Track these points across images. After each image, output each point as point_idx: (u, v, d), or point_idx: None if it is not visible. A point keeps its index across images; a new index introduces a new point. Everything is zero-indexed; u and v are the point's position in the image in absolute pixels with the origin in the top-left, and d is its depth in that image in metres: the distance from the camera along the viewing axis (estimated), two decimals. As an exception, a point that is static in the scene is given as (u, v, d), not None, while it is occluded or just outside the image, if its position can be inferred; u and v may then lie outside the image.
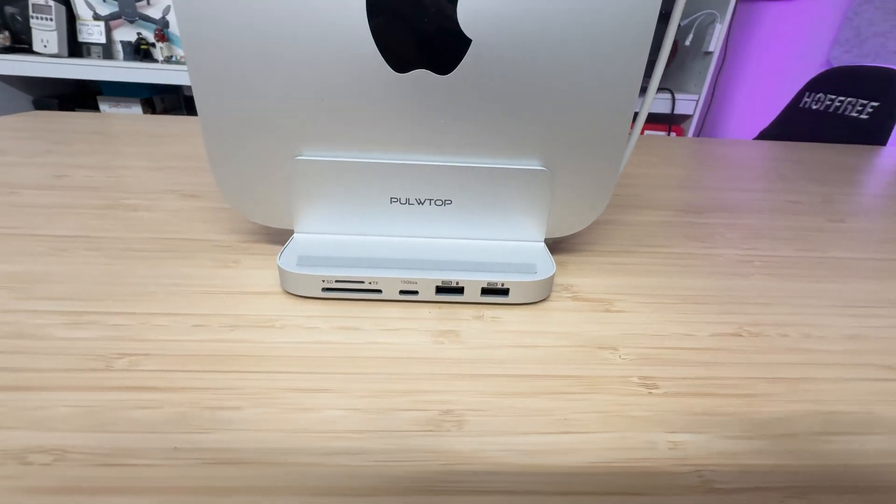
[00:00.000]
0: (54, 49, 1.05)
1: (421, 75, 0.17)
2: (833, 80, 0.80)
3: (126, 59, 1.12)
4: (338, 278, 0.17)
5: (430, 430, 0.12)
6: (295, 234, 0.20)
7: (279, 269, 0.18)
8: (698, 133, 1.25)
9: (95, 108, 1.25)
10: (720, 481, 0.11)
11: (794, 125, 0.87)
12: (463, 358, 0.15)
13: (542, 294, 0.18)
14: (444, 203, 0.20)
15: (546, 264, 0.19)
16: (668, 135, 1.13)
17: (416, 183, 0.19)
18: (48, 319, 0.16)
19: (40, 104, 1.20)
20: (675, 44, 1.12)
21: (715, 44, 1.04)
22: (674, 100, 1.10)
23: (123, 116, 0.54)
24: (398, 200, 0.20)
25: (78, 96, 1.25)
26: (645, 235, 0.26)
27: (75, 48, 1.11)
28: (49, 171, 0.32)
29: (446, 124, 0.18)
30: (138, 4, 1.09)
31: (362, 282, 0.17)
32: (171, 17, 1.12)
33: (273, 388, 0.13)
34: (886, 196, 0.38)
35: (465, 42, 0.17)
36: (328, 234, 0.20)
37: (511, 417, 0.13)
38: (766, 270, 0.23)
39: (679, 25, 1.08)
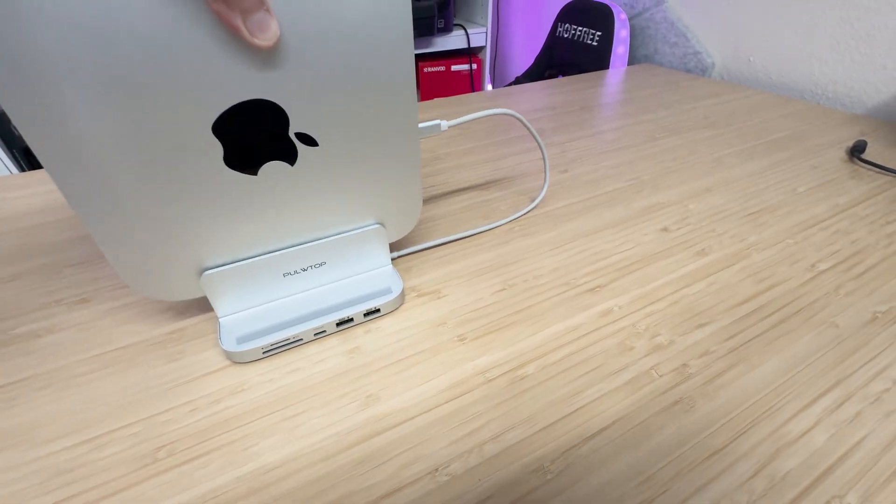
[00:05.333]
0: None
1: (272, 169, 0.24)
2: (573, 12, 1.02)
3: None
4: (271, 342, 0.27)
5: (364, 407, 0.24)
6: (220, 319, 0.28)
7: (225, 351, 0.26)
8: (493, 60, 1.42)
9: None
10: (493, 375, 0.26)
11: (555, 51, 1.08)
12: (368, 361, 0.27)
13: (400, 302, 0.31)
14: (320, 265, 0.29)
15: (397, 283, 0.31)
16: (470, 67, 1.28)
17: (297, 259, 0.28)
18: (74, 452, 0.22)
19: None
20: (457, -20, 1.22)
21: (488, -22, 1.17)
22: (468, 34, 1.23)
23: None
24: (289, 273, 0.29)
25: None
26: (455, 223, 0.40)
27: None
28: None
29: (299, 198, 0.26)
30: None
31: (288, 339, 0.27)
32: None
33: (272, 424, 0.23)
34: (598, 134, 0.58)
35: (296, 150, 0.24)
36: (244, 311, 0.29)
37: (404, 383, 0.25)
38: (520, 233, 0.38)
39: (455, -37, 1.17)
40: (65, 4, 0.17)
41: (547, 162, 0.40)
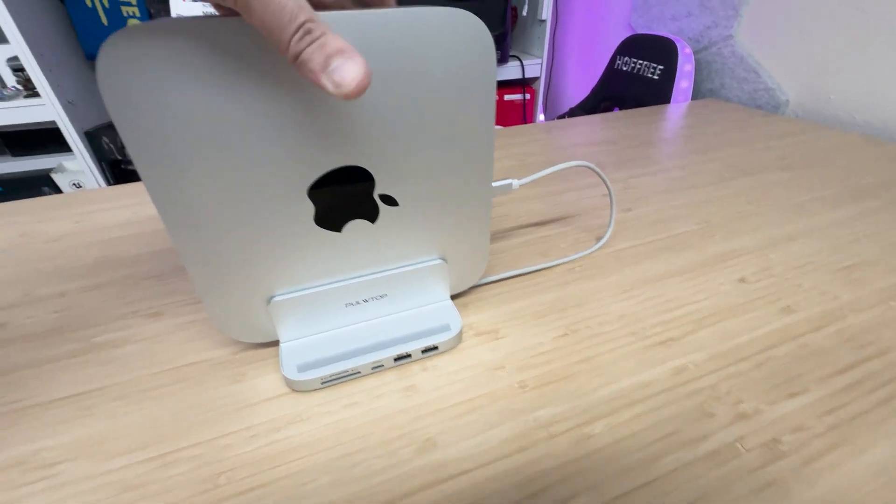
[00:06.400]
0: None
1: (354, 226, 0.26)
2: (634, 46, 1.00)
3: None
4: (330, 374, 0.27)
5: (421, 452, 0.23)
6: (281, 345, 0.28)
7: (285, 377, 0.26)
8: (546, 91, 1.43)
9: None
10: (557, 431, 0.24)
11: (613, 83, 1.07)
12: (425, 402, 0.26)
13: (458, 342, 0.30)
14: (381, 297, 0.29)
15: (455, 320, 0.30)
16: (524, 97, 1.29)
17: (361, 290, 0.29)
18: (142, 469, 0.23)
19: None
20: (515, 13, 1.25)
21: (546, 12, 1.19)
22: (522, 65, 1.24)
23: (-12, 216, 0.50)
24: (351, 303, 0.29)
25: None
26: (513, 259, 0.39)
27: None
28: (-18, 321, 0.34)
29: (371, 249, 0.27)
30: None
31: (347, 371, 0.27)
32: (-51, 45, 0.91)
33: (329, 461, 0.23)
34: (662, 171, 0.56)
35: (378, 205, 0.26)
36: (306, 338, 0.29)
37: (462, 430, 0.24)
38: (581, 274, 0.37)
39: (515, -2, 1.19)
40: (206, 98, 0.19)
41: (614, 203, 0.39)
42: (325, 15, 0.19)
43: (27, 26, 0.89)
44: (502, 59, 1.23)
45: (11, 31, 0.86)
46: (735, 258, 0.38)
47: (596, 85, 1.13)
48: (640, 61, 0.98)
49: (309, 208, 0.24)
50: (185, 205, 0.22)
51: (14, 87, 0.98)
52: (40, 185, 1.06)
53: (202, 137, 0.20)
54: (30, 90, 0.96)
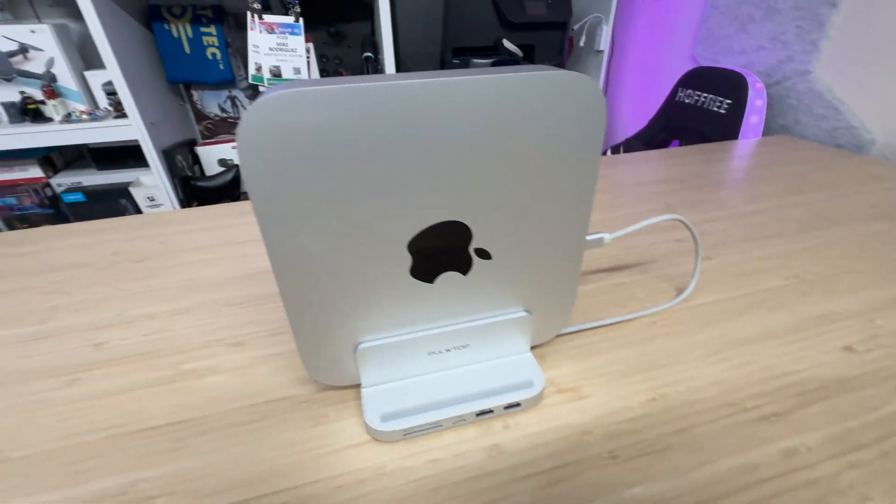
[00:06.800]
0: (-80, 125, 0.92)
1: (446, 278, 0.26)
2: (698, 78, 0.98)
3: (12, 122, 1.01)
4: (412, 426, 0.26)
5: (510, 525, 0.22)
6: (363, 389, 0.28)
7: (368, 426, 0.26)
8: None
9: (-19, 177, 1.12)
10: (656, 512, 0.22)
11: (673, 116, 1.04)
12: (511, 466, 0.25)
13: (540, 399, 0.29)
14: (464, 347, 0.29)
15: (538, 376, 0.29)
16: (577, 126, 1.28)
17: (444, 340, 0.28)
18: (232, 512, 0.23)
19: (-90, 184, 1.05)
20: (572, 43, 1.25)
21: (604, 43, 1.18)
22: (577, 95, 1.24)
23: (67, 236, 0.54)
24: (434, 352, 0.28)
25: (-45, 167, 1.11)
26: (587, 309, 0.38)
27: (-57, 117, 0.98)
28: (80, 339, 0.36)
29: (459, 301, 0.27)
30: (13, 60, 0.98)
31: (430, 423, 0.26)
32: (57, 70, 1.02)
33: (411, 523, 0.22)
34: (739, 215, 0.53)
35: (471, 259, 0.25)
36: (386, 384, 0.29)
37: (556, 502, 0.23)
38: (665, 329, 0.35)
39: (573, 28, 1.20)
40: (332, 160, 0.20)
41: (699, 255, 0.37)
42: (442, 76, 0.19)
43: (122, 54, 0.98)
44: (556, 88, 1.22)
45: (109, 58, 0.95)
46: (836, 322, 0.35)
47: (655, 116, 1.10)
48: (705, 94, 0.95)
49: (407, 260, 0.24)
50: (296, 253, 0.22)
51: (106, 108, 1.08)
52: (119, 197, 1.15)
53: (323, 195, 0.21)
54: (119, 112, 1.05)
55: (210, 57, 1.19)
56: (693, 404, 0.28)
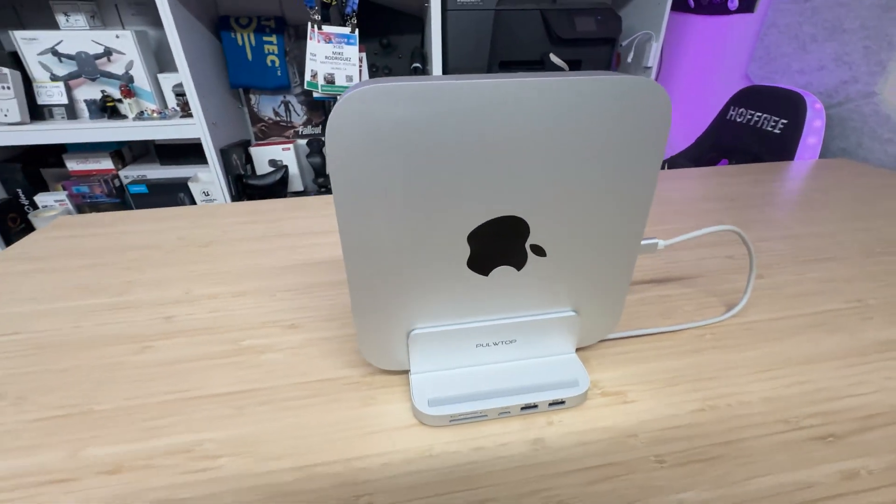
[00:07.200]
0: (16, 117, 1.03)
1: (500, 272, 0.26)
2: (752, 97, 0.95)
3: (92, 117, 1.11)
4: (459, 413, 0.27)
5: (554, 516, 0.22)
6: (412, 375, 0.30)
7: (415, 409, 0.27)
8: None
9: (61, 166, 1.23)
10: (704, 519, 0.22)
11: (722, 134, 1.02)
12: (555, 460, 0.25)
13: (584, 399, 0.29)
14: (511, 342, 0.30)
15: (583, 376, 0.29)
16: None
17: (493, 334, 0.29)
18: (291, 476, 0.24)
19: (2, 170, 1.16)
20: (619, 59, 1.24)
21: (652, 59, 1.17)
22: (622, 111, 1.23)
23: (140, 221, 0.59)
24: (482, 345, 0.29)
25: (41, 155, 1.22)
26: (634, 318, 0.37)
27: (35, 111, 1.09)
28: (152, 312, 0.39)
29: (511, 295, 0.28)
30: (98, 62, 1.08)
31: (475, 412, 0.27)
32: (134, 72, 1.12)
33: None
34: (794, 237, 0.51)
35: (527, 255, 0.26)
36: (434, 372, 0.30)
37: (597, 499, 0.23)
38: (713, 343, 0.34)
39: (621, 45, 1.20)
40: (410, 153, 0.21)
41: (754, 269, 0.36)
42: (517, 78, 0.20)
43: (192, 59, 1.06)
44: (601, 104, 1.22)
45: (181, 62, 1.03)
46: (903, 349, 0.34)
47: (703, 134, 1.07)
48: (759, 113, 0.92)
49: (465, 252, 0.25)
50: (366, 238, 0.24)
51: (174, 108, 1.16)
52: (178, 190, 1.23)
53: (397, 183, 0.22)
54: (185, 112, 1.13)
55: (269, 64, 1.26)
56: (743, 418, 0.28)
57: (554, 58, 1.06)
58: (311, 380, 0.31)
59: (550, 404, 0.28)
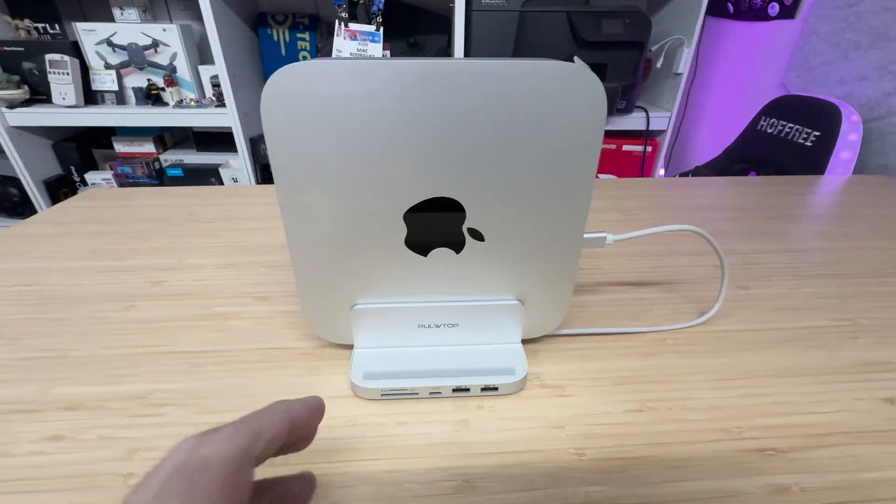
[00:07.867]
0: (72, 101, 1.13)
1: (439, 253, 0.27)
2: (785, 107, 0.90)
3: (138, 104, 1.20)
4: (390, 388, 0.28)
5: (458, 493, 0.23)
6: (355, 350, 0.31)
7: (351, 382, 0.28)
8: (671, 146, 1.34)
9: (110, 147, 1.33)
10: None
11: (751, 145, 0.97)
12: (474, 441, 0.26)
13: (520, 387, 0.29)
14: (453, 325, 0.30)
15: (521, 365, 0.29)
16: (645, 149, 1.23)
17: (435, 315, 0.30)
18: (221, 429, 0.26)
19: (59, 148, 1.28)
20: (649, 65, 1.21)
21: (684, 66, 1.13)
22: (648, 117, 1.19)
23: (158, 197, 0.63)
24: (423, 325, 0.30)
25: (94, 137, 1.33)
26: (599, 317, 0.37)
27: (89, 96, 1.19)
28: (145, 276, 0.42)
29: (451, 278, 0.28)
30: (146, 53, 1.16)
31: (406, 389, 0.28)
32: (177, 63, 1.20)
33: (370, 473, 0.24)
34: (801, 251, 0.48)
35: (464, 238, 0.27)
36: (377, 349, 0.31)
37: (506, 482, 0.23)
38: (675, 348, 0.33)
39: (650, 49, 1.17)
40: (342, 128, 0.22)
41: (726, 274, 0.35)
42: (446, 60, 0.21)
43: (228, 52, 1.12)
44: (626, 109, 1.19)
45: (218, 55, 1.10)
46: (883, 372, 0.31)
47: (731, 145, 1.03)
48: (791, 124, 0.87)
49: (402, 230, 0.26)
50: (304, 213, 0.25)
51: (210, 98, 1.24)
52: (210, 175, 1.30)
53: (332, 160, 0.23)
54: (220, 102, 1.20)
55: (301, 59, 1.32)
56: (683, 423, 0.27)
57: (578, 61, 1.04)
58: (266, 347, 0.33)
59: (483, 389, 0.28)
